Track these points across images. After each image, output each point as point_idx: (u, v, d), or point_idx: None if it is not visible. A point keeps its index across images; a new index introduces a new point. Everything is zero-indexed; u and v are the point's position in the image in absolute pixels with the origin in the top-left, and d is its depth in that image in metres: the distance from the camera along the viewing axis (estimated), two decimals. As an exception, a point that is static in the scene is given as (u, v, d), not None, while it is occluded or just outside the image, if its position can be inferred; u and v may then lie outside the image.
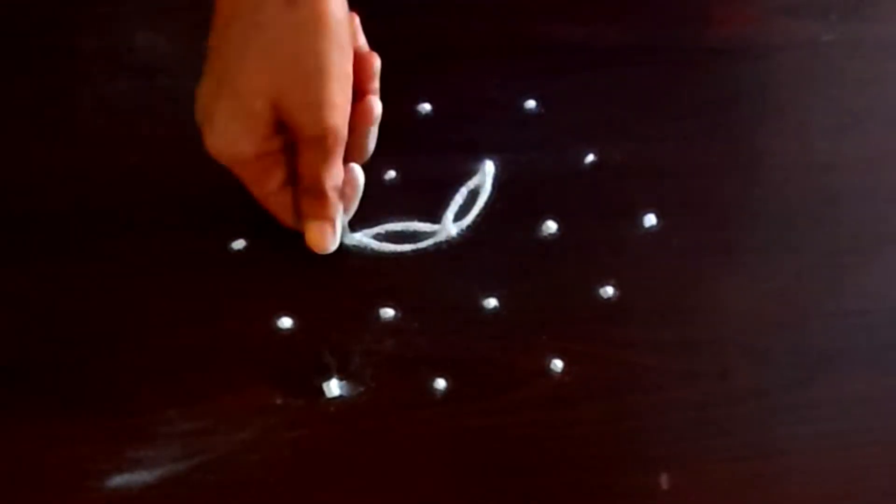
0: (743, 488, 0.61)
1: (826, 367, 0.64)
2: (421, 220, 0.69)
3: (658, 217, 0.69)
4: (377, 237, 0.68)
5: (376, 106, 0.67)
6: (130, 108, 0.72)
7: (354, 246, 0.68)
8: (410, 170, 0.72)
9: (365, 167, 0.69)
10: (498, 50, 0.75)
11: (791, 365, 0.64)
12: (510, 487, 0.61)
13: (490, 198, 0.68)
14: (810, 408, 0.63)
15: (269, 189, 0.68)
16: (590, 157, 0.71)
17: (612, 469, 0.61)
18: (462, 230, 0.68)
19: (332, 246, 0.67)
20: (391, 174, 0.71)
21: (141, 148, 0.71)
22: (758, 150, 0.72)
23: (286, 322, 0.66)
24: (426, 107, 0.74)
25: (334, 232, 0.67)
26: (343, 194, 0.67)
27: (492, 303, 0.66)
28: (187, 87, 0.70)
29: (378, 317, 0.66)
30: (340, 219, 0.67)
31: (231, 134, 0.65)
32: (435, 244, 0.67)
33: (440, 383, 0.64)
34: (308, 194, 0.67)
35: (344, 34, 0.65)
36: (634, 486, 0.61)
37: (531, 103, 0.72)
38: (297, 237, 0.67)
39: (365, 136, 0.68)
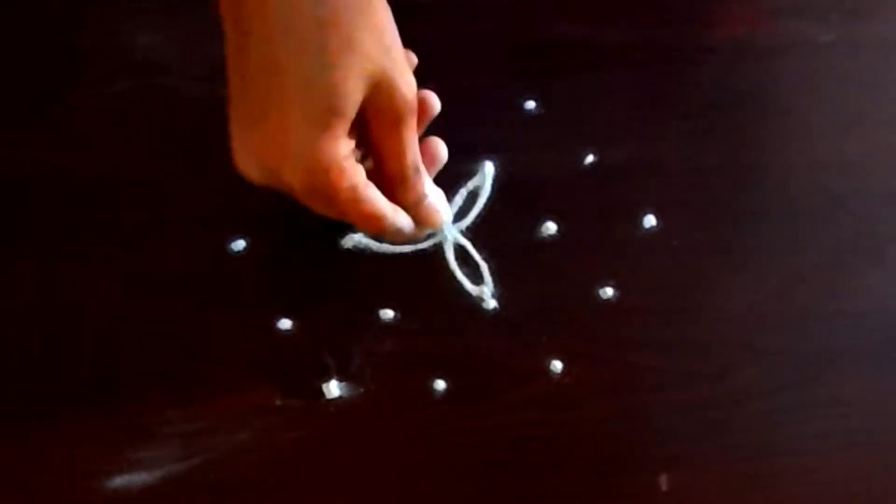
0: (743, 488, 0.61)
1: (826, 367, 0.64)
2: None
3: (658, 217, 0.69)
4: (377, 237, 0.68)
5: (441, 149, 0.65)
6: (130, 108, 0.72)
7: (354, 246, 0.67)
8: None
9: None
10: (498, 50, 0.75)
11: (791, 365, 0.65)
12: (510, 487, 0.61)
13: (490, 198, 0.68)
14: (810, 408, 0.63)
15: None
16: (590, 157, 0.71)
17: (612, 469, 0.62)
18: (462, 231, 0.68)
19: (447, 217, 0.65)
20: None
21: (140, 148, 0.71)
22: (758, 150, 0.72)
23: (286, 323, 0.66)
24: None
25: (440, 208, 0.64)
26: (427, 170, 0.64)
27: (492, 303, 0.66)
28: (187, 87, 0.70)
29: (378, 317, 0.66)
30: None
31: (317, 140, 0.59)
32: (435, 244, 0.67)
33: (440, 383, 0.64)
34: (397, 180, 0.62)
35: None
36: (634, 486, 0.61)
37: (531, 103, 0.72)
38: (297, 238, 0.67)
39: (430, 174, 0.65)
